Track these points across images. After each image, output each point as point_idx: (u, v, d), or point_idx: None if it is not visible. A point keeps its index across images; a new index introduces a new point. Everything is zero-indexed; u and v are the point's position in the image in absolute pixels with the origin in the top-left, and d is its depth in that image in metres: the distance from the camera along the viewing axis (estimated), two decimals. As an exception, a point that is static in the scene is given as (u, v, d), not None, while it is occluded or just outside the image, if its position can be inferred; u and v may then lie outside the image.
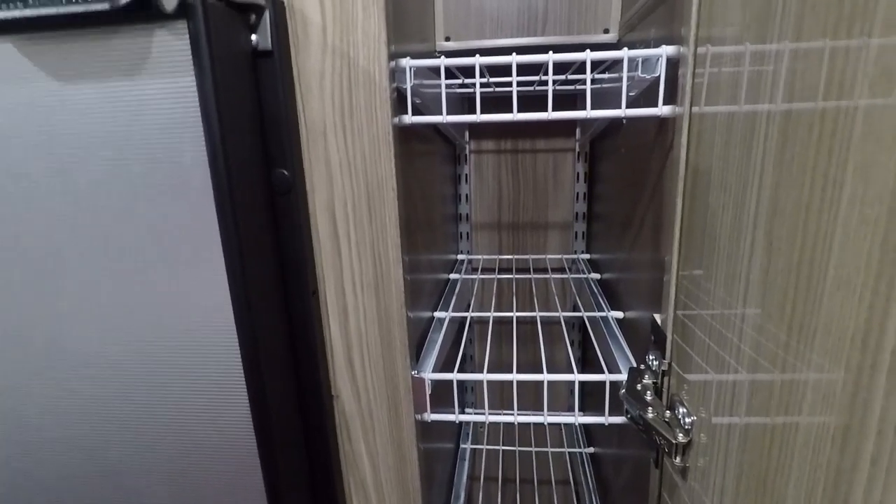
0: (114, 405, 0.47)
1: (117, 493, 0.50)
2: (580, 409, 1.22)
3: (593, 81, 0.85)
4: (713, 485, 0.39)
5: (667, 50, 0.51)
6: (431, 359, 0.66)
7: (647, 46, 0.53)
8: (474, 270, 1.16)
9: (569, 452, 1.19)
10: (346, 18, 0.45)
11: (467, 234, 1.19)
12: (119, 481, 0.50)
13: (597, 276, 1.01)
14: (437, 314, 0.83)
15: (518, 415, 0.65)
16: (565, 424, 1.25)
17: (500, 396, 1.24)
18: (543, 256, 1.18)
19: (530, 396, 1.23)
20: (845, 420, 0.24)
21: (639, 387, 0.50)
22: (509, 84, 0.54)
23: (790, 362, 0.28)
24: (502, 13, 0.87)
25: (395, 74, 0.53)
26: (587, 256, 1.14)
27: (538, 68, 0.79)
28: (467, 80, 0.56)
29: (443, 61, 0.55)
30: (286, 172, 0.47)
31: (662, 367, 0.49)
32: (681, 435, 0.42)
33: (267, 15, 0.43)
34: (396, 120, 0.49)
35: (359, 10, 0.45)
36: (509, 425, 1.27)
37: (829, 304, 0.25)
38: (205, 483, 0.49)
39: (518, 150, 1.16)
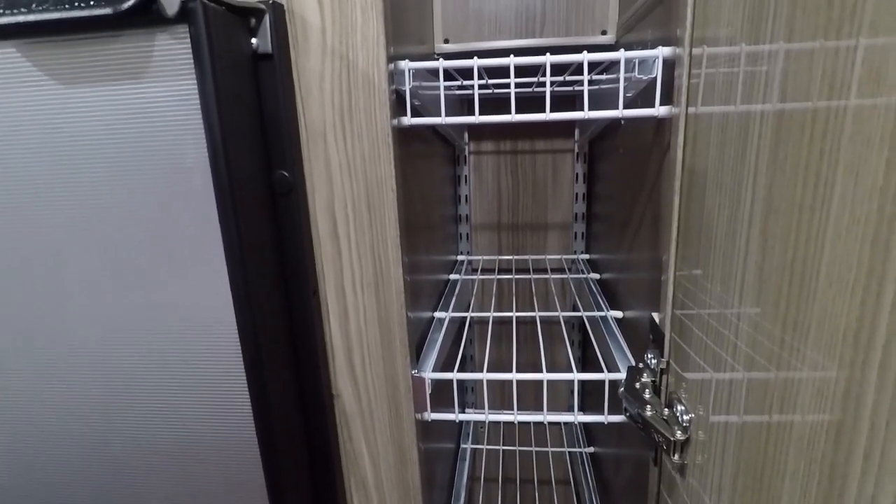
0: (115, 404, 0.48)
1: (120, 491, 0.50)
2: (580, 410, 1.23)
3: (591, 83, 0.86)
4: (711, 481, 0.39)
5: (663, 51, 0.51)
6: (431, 359, 0.66)
7: (645, 48, 0.54)
8: (474, 271, 1.16)
9: (569, 452, 1.20)
10: (345, 21, 0.45)
11: (467, 234, 1.20)
12: (122, 479, 0.50)
13: (596, 276, 1.01)
14: (437, 314, 0.84)
15: (518, 414, 0.65)
16: (565, 425, 1.25)
17: (501, 396, 1.25)
18: (543, 257, 1.18)
19: (530, 396, 1.24)
20: (839, 415, 0.24)
21: (637, 385, 0.50)
22: (508, 86, 0.55)
23: (785, 359, 0.28)
24: (500, 15, 0.87)
25: (394, 76, 0.53)
26: (587, 257, 1.15)
27: (536, 70, 0.79)
28: (466, 82, 0.57)
29: (441, 63, 0.55)
30: (286, 174, 0.47)
31: (661, 366, 0.49)
32: (679, 432, 0.43)
33: (267, 18, 0.44)
34: (395, 122, 0.50)
35: (357, 13, 0.45)
36: (510, 426, 1.27)
37: (823, 300, 0.25)
38: (207, 482, 0.49)
39: (517, 151, 1.16)
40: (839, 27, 0.23)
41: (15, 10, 0.35)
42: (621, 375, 0.61)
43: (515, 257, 1.19)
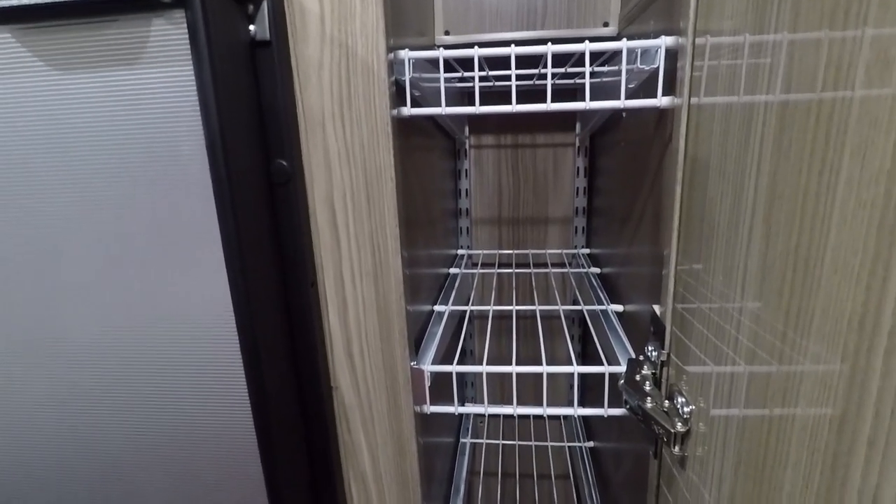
0: (112, 396, 0.47)
1: (118, 483, 0.50)
2: (581, 405, 1.23)
3: (593, 74, 0.85)
4: (711, 473, 0.39)
5: (666, 41, 0.51)
6: (431, 351, 0.66)
7: (647, 38, 0.53)
8: (474, 265, 1.16)
9: (569, 447, 1.19)
10: (344, 9, 0.45)
11: (467, 228, 1.19)
12: (119, 471, 0.50)
13: (597, 270, 1.01)
14: (437, 308, 0.83)
15: (518, 407, 0.65)
16: (565, 419, 1.25)
17: (501, 390, 1.25)
18: (543, 251, 1.18)
19: (530, 392, 1.23)
20: (842, 404, 0.24)
21: (638, 377, 0.50)
22: (509, 78, 0.55)
23: (787, 350, 0.28)
24: (501, 7, 0.86)
25: (394, 66, 0.53)
26: (587, 251, 1.14)
27: (537, 61, 0.79)
28: (467, 74, 0.56)
29: (441, 53, 0.55)
30: (285, 163, 0.47)
31: (662, 358, 0.49)
32: (679, 424, 0.42)
33: (265, 5, 0.43)
34: (395, 112, 0.49)
35: (357, 1, 0.44)
36: (509, 421, 1.27)
37: (827, 287, 0.25)
38: (205, 473, 0.49)
39: (518, 145, 1.16)
40: (846, 13, 0.23)
41: (9, -6, 0.35)
42: (621, 369, 0.61)
43: (516, 251, 1.19)
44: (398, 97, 0.54)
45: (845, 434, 0.23)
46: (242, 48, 0.43)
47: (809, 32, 0.26)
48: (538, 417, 1.26)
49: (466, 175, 1.17)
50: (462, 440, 1.16)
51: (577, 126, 1.12)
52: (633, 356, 0.65)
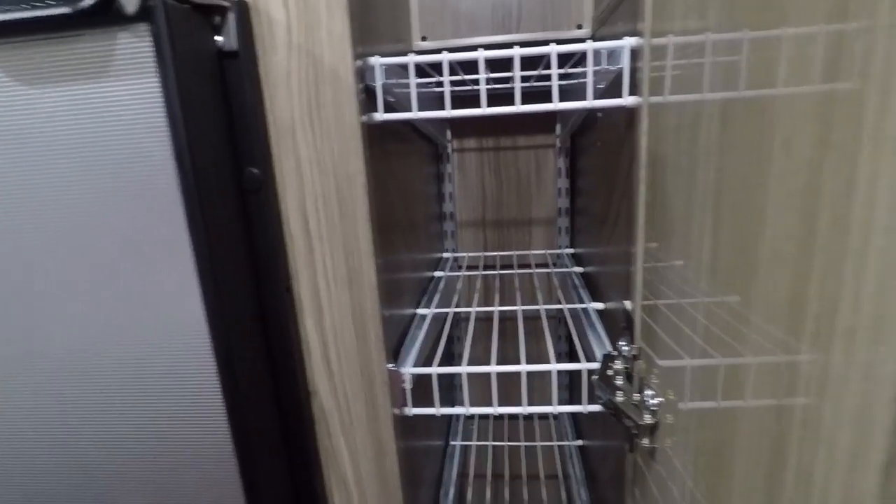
0: (83, 406, 0.48)
1: (92, 494, 0.50)
2: (571, 403, 1.23)
3: (568, 76, 0.86)
4: (677, 463, 0.39)
5: (630, 42, 0.52)
6: (412, 354, 0.67)
7: (617, 39, 0.54)
8: (459, 268, 1.16)
9: (558, 446, 1.20)
10: (310, 18, 0.46)
11: (452, 232, 1.20)
12: (93, 481, 0.50)
13: (580, 269, 1.02)
14: (420, 311, 0.84)
15: (498, 407, 0.65)
16: (555, 418, 1.26)
17: (490, 392, 1.25)
18: (528, 252, 1.19)
19: (516, 391, 1.24)
20: (780, 388, 0.24)
21: (610, 372, 0.50)
22: (485, 81, 0.56)
23: (733, 341, 0.29)
24: (477, 12, 0.88)
25: (365, 73, 0.54)
26: (571, 251, 1.15)
27: (512, 65, 0.80)
28: (439, 79, 0.57)
29: (412, 59, 0.55)
30: (256, 171, 0.47)
31: (633, 353, 0.50)
32: (647, 416, 0.43)
33: (231, 16, 0.44)
34: (365, 117, 0.50)
35: (322, 9, 0.45)
36: (499, 421, 1.27)
37: (765, 276, 0.25)
38: (182, 482, 0.49)
39: (500, 148, 1.17)
40: (769, 15, 0.24)
41: (-29, 11, 0.35)
42: (599, 365, 0.61)
43: (501, 253, 1.20)
44: (370, 103, 0.54)
45: (783, 417, 0.24)
46: (209, 59, 0.43)
47: (740, 32, 0.27)
48: (528, 418, 1.26)
49: (450, 179, 1.18)
50: (452, 442, 1.16)
51: (558, 127, 1.13)
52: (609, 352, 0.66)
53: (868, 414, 0.19)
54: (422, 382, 0.67)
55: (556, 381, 0.63)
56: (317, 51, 0.46)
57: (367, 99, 0.54)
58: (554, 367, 0.62)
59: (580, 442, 1.12)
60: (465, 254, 1.20)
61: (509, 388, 1.24)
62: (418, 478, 0.79)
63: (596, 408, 0.62)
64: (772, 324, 0.25)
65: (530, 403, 0.65)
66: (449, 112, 0.57)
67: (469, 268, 1.15)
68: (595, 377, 0.50)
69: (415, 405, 0.62)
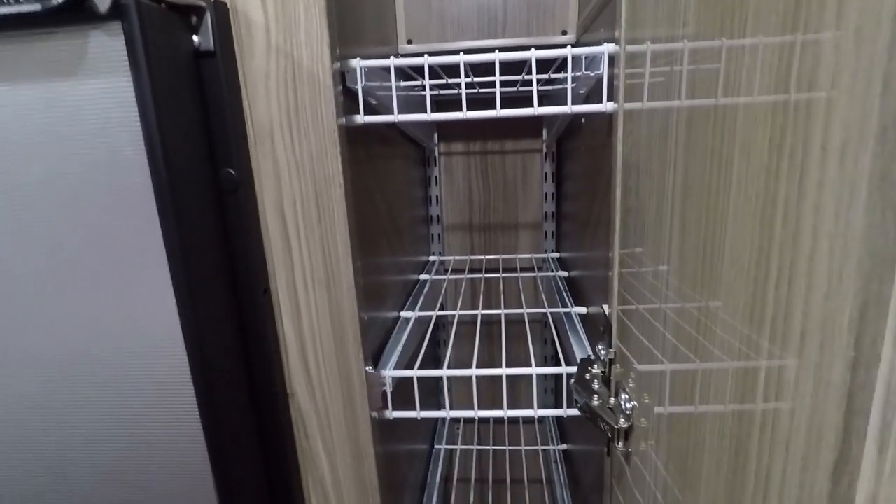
0: (53, 408, 0.47)
1: (63, 493, 0.50)
2: (559, 407, 1.23)
3: (552, 81, 0.87)
4: (651, 467, 0.39)
5: (608, 48, 0.53)
6: (393, 357, 0.67)
7: (599, 46, 0.55)
8: (445, 271, 1.16)
9: (542, 450, 1.20)
10: (288, 19, 0.46)
11: (439, 235, 1.20)
12: (64, 482, 0.49)
13: (564, 273, 1.02)
14: (404, 314, 0.84)
15: (479, 411, 0.65)
16: (540, 423, 1.26)
17: (477, 395, 1.25)
18: (514, 256, 1.19)
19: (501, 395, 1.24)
20: (740, 391, 0.25)
21: (588, 376, 0.51)
22: (470, 85, 0.56)
23: (698, 343, 0.29)
24: (462, 16, 0.88)
25: (346, 75, 0.54)
26: (557, 255, 1.16)
27: (501, 70, 0.80)
28: (425, 82, 0.58)
29: (392, 62, 0.56)
30: (233, 171, 0.47)
31: (610, 357, 0.50)
32: (622, 420, 0.43)
33: (208, 16, 0.44)
34: (343, 120, 0.50)
35: (300, 11, 0.45)
36: (485, 426, 1.27)
37: (727, 281, 0.26)
38: (155, 482, 0.49)
39: (487, 152, 1.17)
40: (732, 25, 0.24)
41: (-61, 7, 0.35)
42: (578, 369, 0.61)
43: (487, 257, 1.20)
44: (351, 105, 0.54)
45: (744, 420, 0.24)
46: (185, 59, 0.43)
47: (703, 42, 0.27)
48: (513, 422, 1.26)
49: (437, 182, 1.18)
50: (437, 446, 1.16)
51: (544, 132, 1.13)
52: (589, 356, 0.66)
53: (821, 414, 0.19)
54: (404, 386, 0.66)
55: (536, 384, 0.63)
56: (295, 53, 0.46)
57: (349, 101, 0.54)
58: (534, 370, 0.62)
59: (564, 446, 1.12)
60: (451, 257, 1.20)
61: (495, 392, 1.24)
62: (401, 481, 0.79)
63: (576, 412, 0.62)
64: (733, 328, 0.25)
65: (518, 407, 0.65)
66: (430, 115, 0.57)
67: (455, 271, 1.15)
68: (572, 381, 0.50)
69: (398, 408, 0.62)
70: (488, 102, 0.55)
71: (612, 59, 0.52)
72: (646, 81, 0.38)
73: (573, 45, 0.87)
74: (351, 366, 0.53)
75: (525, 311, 0.83)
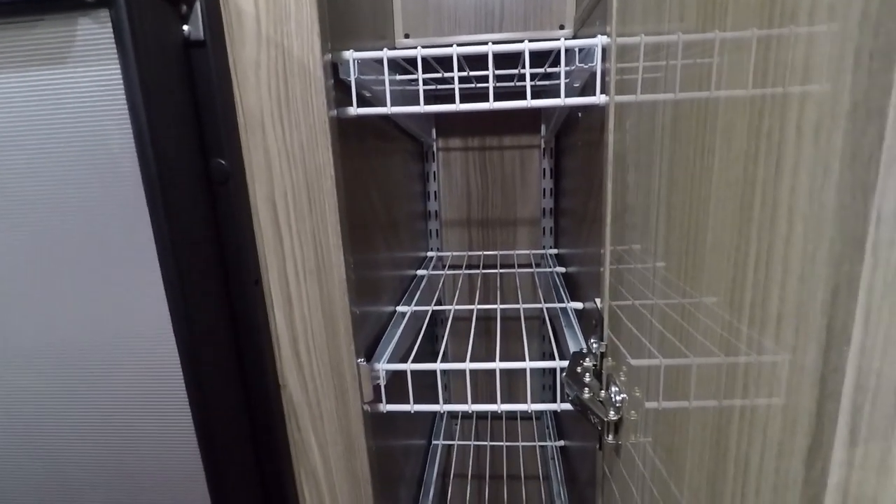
0: (43, 400, 0.47)
1: (54, 488, 0.50)
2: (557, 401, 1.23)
3: (549, 77, 0.87)
4: (640, 458, 0.39)
5: (601, 40, 0.52)
6: (387, 350, 0.66)
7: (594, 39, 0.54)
8: (444, 267, 1.16)
9: (540, 446, 1.20)
10: (278, 9, 0.45)
11: (437, 230, 1.20)
12: (55, 476, 0.49)
13: (562, 269, 1.02)
14: (400, 308, 0.84)
15: (472, 405, 0.65)
16: (538, 419, 1.26)
17: (475, 391, 1.25)
18: (512, 252, 1.19)
19: (503, 390, 1.24)
20: (721, 381, 0.24)
21: (579, 370, 0.50)
22: (466, 79, 0.56)
23: (684, 332, 0.29)
24: (460, 11, 0.88)
25: (340, 66, 0.54)
26: (555, 251, 1.15)
27: (498, 62, 0.80)
28: (418, 75, 0.57)
29: (385, 53, 0.55)
30: (223, 162, 0.47)
31: (601, 350, 0.50)
32: (612, 412, 0.43)
33: (198, 5, 0.44)
34: (334, 112, 0.50)
35: (291, 1, 0.45)
36: (483, 422, 1.27)
37: (709, 268, 0.25)
38: (146, 474, 0.49)
39: (485, 147, 1.17)
40: (710, 19, 0.24)
41: (-74, -7, 0.35)
42: (572, 363, 0.61)
43: (485, 253, 1.20)
44: (344, 97, 0.54)
45: (724, 411, 0.24)
46: (175, 48, 0.43)
47: (687, 35, 0.27)
48: (511, 418, 1.26)
49: (435, 177, 1.18)
50: (434, 442, 1.16)
51: (542, 128, 1.13)
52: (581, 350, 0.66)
53: (795, 399, 0.19)
54: (400, 380, 0.66)
55: (533, 379, 0.63)
56: (286, 43, 0.46)
57: (342, 93, 0.54)
58: (527, 364, 0.62)
59: (562, 442, 1.12)
60: (449, 253, 1.20)
61: (493, 387, 1.24)
62: (397, 475, 0.79)
63: (569, 406, 0.62)
64: (716, 315, 0.25)
65: (516, 402, 0.65)
66: (422, 108, 0.57)
67: (453, 267, 1.15)
68: (564, 375, 0.50)
69: (393, 402, 0.62)
70: (485, 97, 0.55)
71: (605, 52, 0.52)
72: (637, 75, 0.38)
73: (563, 38, 0.87)
74: (343, 358, 0.53)
75: (521, 306, 0.83)
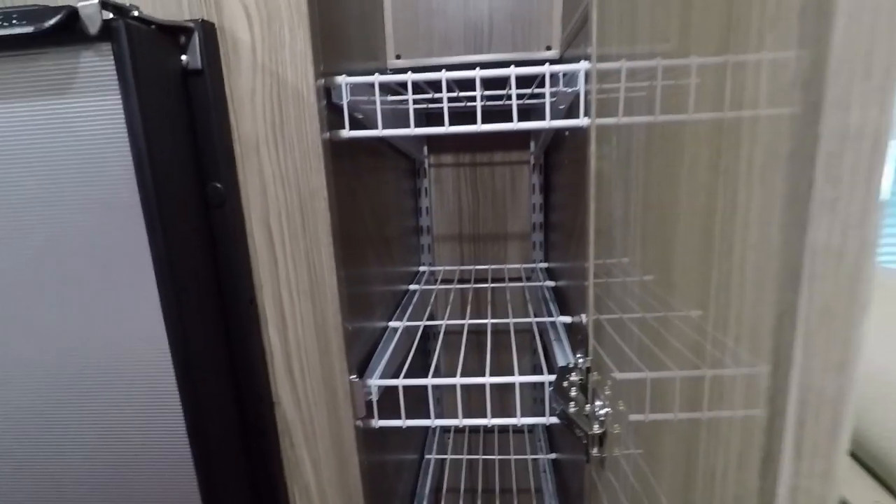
0: (42, 417, 0.48)
1: (47, 500, 0.50)
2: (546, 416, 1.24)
3: (536, 96, 0.89)
4: (623, 471, 0.41)
5: (584, 65, 0.54)
6: (379, 366, 0.68)
7: (579, 62, 0.57)
8: (435, 281, 1.18)
9: (532, 459, 1.21)
10: (273, 39, 0.47)
11: (429, 245, 1.22)
12: (51, 490, 0.50)
13: (552, 283, 1.04)
14: (392, 324, 0.85)
15: (463, 419, 0.66)
16: (530, 432, 1.27)
17: (468, 405, 1.26)
18: (503, 266, 1.20)
19: (496, 403, 1.25)
20: (689, 397, 0.26)
21: (566, 384, 0.52)
22: (457, 99, 0.58)
23: (655, 351, 0.31)
24: (450, 32, 0.90)
25: (332, 91, 0.55)
26: (545, 265, 1.17)
27: (487, 83, 0.82)
28: (408, 97, 0.59)
29: (377, 78, 0.57)
30: (220, 185, 0.49)
31: (587, 365, 0.51)
32: (596, 426, 0.45)
33: (196, 36, 0.45)
34: (327, 135, 0.52)
35: (286, 31, 0.47)
36: (475, 436, 1.28)
37: (680, 291, 0.27)
38: (140, 490, 0.49)
39: (476, 164, 1.19)
40: (673, 48, 0.26)
41: (-65, 30, 0.36)
42: (560, 377, 0.63)
43: (476, 267, 1.21)
44: (337, 120, 0.56)
45: (693, 422, 0.26)
46: (173, 77, 0.45)
47: (654, 61, 0.29)
48: (503, 431, 1.27)
49: (426, 193, 1.20)
50: (427, 456, 1.17)
51: (532, 144, 1.15)
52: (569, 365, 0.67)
53: (751, 415, 0.20)
54: (392, 395, 0.67)
55: (524, 394, 0.64)
56: (280, 71, 0.48)
57: (335, 116, 0.56)
58: (516, 379, 0.63)
59: (553, 456, 1.13)
60: (441, 267, 1.22)
61: (485, 401, 1.25)
62: (389, 490, 0.80)
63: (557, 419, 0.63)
64: (687, 336, 0.27)
65: (507, 415, 0.66)
66: (413, 130, 0.59)
67: (444, 281, 1.17)
68: (551, 389, 0.52)
69: (385, 418, 0.63)
70: (475, 114, 0.57)
71: (588, 76, 0.54)
72: (618, 98, 0.40)
73: (557, 61, 0.90)
74: (335, 375, 0.54)
75: (511, 320, 0.85)
